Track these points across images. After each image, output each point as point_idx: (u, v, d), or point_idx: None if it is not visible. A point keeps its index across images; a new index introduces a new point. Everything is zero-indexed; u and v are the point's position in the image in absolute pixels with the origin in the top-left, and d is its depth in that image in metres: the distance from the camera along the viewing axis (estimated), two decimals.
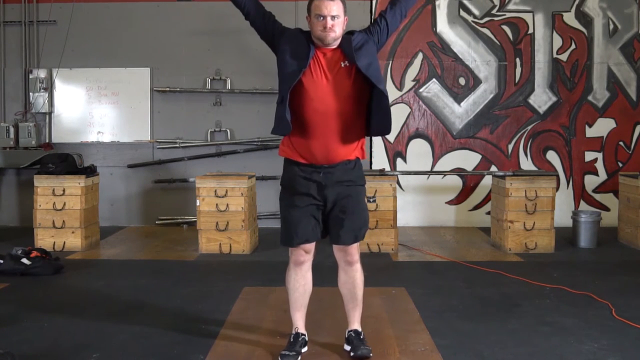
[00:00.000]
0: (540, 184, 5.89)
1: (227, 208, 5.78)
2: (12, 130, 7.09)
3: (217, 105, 7.37)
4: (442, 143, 7.40)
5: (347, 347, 3.23)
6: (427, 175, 7.27)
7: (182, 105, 7.38)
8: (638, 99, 7.40)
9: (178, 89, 7.33)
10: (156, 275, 5.02)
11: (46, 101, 7.26)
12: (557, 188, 6.86)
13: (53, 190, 5.89)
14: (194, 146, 7.36)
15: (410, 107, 7.38)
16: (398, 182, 7.01)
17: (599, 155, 7.43)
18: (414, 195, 7.38)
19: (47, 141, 7.32)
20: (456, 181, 7.42)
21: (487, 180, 7.12)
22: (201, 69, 7.33)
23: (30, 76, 7.27)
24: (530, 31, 7.33)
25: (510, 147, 7.38)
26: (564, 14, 7.32)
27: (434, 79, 7.37)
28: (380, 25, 3.08)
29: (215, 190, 5.78)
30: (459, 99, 7.38)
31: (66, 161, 6.04)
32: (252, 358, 3.21)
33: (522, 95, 7.37)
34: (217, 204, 5.78)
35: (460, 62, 7.35)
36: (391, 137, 7.30)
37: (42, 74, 7.25)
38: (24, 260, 4.91)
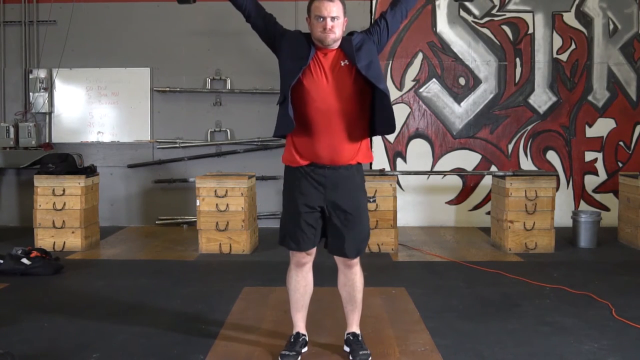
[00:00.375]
0: (540, 184, 5.89)
1: (227, 208, 5.78)
2: (12, 130, 7.09)
3: (217, 105, 7.37)
4: (442, 143, 7.40)
5: (347, 349, 3.23)
6: (427, 175, 7.27)
7: (182, 105, 7.38)
8: (638, 99, 7.40)
9: (178, 89, 7.33)
10: (156, 275, 5.02)
11: (46, 101, 7.26)
12: (557, 188, 6.87)
13: (53, 190, 5.89)
14: (194, 146, 7.36)
15: (410, 107, 7.38)
16: (398, 182, 7.01)
17: (599, 155, 7.43)
18: (414, 195, 7.38)
19: (47, 141, 7.32)
20: (456, 181, 7.42)
21: (487, 180, 7.12)
22: (201, 69, 7.33)
23: (30, 76, 7.27)
24: (530, 31, 7.33)
25: (510, 147, 7.39)
26: (564, 14, 7.33)
27: (434, 79, 7.37)
28: (380, 26, 3.08)
29: (215, 190, 5.78)
30: (459, 99, 7.38)
31: (66, 161, 6.04)
32: (252, 358, 3.21)
33: (522, 95, 7.37)
34: (217, 204, 5.78)
35: (460, 62, 7.35)
36: (391, 137, 7.30)
37: (42, 74, 7.25)
38: (24, 260, 4.91)
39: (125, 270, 5.27)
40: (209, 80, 7.34)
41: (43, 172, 6.00)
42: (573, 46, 7.35)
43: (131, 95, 7.40)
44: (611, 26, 7.33)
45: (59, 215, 5.89)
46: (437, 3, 7.32)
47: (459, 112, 7.40)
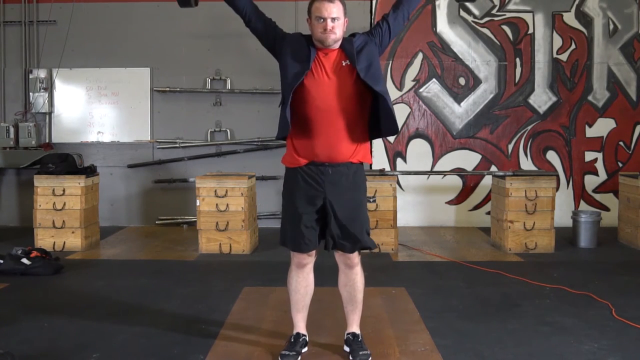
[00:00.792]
0: (540, 184, 5.89)
1: (227, 208, 5.78)
2: (12, 130, 7.09)
3: (217, 105, 7.37)
4: (442, 143, 7.40)
5: (347, 349, 3.23)
6: (427, 175, 7.27)
7: (182, 105, 7.39)
8: (638, 99, 7.40)
9: (178, 89, 7.33)
10: (156, 275, 5.02)
11: (46, 101, 7.26)
12: (557, 188, 6.87)
13: (53, 190, 5.89)
14: (194, 146, 7.36)
15: (410, 107, 7.38)
16: (398, 182, 7.01)
17: (599, 155, 7.43)
18: (414, 195, 7.38)
19: (47, 141, 7.32)
20: (456, 181, 7.42)
21: (487, 180, 7.12)
22: (201, 69, 7.33)
23: (30, 76, 7.27)
24: (530, 31, 7.33)
25: (510, 147, 7.39)
26: (564, 14, 7.33)
27: (434, 79, 7.37)
28: (382, 28, 3.08)
29: (215, 190, 5.78)
30: (459, 99, 7.38)
31: (66, 161, 6.04)
32: (252, 358, 3.21)
33: (522, 95, 7.37)
34: (217, 204, 5.78)
35: (460, 62, 7.35)
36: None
37: (42, 74, 7.25)
38: (24, 260, 4.91)
39: (125, 270, 5.27)
40: (209, 80, 7.34)
41: (43, 172, 6.00)
42: (573, 46, 7.35)
43: (131, 95, 7.40)
44: (611, 26, 7.33)
45: (59, 215, 5.89)
46: (437, 3, 7.32)
47: (459, 112, 7.40)
